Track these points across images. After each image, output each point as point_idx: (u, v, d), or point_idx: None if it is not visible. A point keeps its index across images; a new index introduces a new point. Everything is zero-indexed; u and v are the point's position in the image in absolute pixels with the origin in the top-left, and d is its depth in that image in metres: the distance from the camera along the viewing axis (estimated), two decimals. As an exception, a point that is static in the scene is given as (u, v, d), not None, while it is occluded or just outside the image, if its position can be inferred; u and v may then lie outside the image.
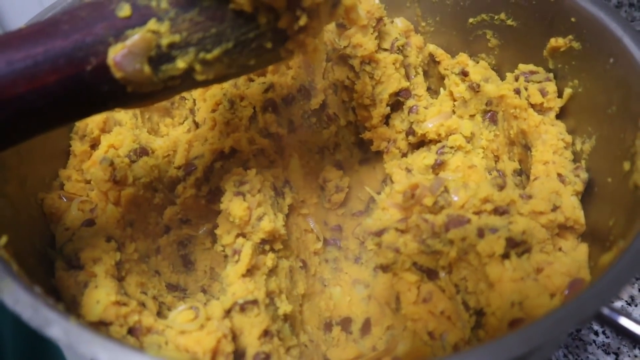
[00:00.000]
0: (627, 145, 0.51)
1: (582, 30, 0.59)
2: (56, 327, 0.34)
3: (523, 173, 0.68)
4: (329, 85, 0.76)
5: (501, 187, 0.56)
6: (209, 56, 0.45)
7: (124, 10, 0.43)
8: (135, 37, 0.43)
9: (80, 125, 0.66)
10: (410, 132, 0.70)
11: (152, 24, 0.43)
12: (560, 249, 0.57)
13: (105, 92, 0.44)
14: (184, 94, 0.75)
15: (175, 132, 0.74)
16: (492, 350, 0.37)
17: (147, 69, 0.43)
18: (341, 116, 0.77)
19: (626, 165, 0.50)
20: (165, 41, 0.44)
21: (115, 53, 0.42)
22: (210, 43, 0.45)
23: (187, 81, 0.47)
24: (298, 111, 0.75)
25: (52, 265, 0.54)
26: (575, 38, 0.60)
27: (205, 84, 0.49)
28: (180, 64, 0.45)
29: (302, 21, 0.45)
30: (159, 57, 0.44)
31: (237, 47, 0.46)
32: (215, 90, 0.70)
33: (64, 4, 0.64)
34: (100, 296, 0.48)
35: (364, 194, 0.77)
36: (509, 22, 0.69)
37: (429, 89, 0.80)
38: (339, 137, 0.78)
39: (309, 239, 0.72)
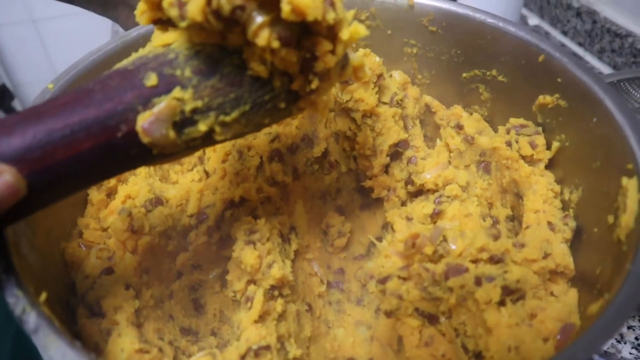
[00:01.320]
0: (611, 200, 0.55)
1: (567, 90, 0.64)
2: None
3: (515, 219, 0.72)
4: (330, 134, 0.80)
5: (496, 237, 0.60)
6: (228, 119, 0.49)
7: (151, 80, 0.47)
8: (162, 104, 0.47)
9: (97, 175, 0.70)
10: (409, 181, 0.75)
11: (176, 92, 0.47)
12: (552, 293, 0.61)
13: (134, 155, 0.47)
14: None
15: (184, 179, 0.77)
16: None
17: (172, 133, 0.47)
18: (342, 163, 0.81)
19: (610, 219, 0.55)
20: (188, 107, 0.48)
21: (144, 120, 0.46)
22: (229, 107, 0.49)
23: (207, 141, 0.51)
24: (302, 159, 0.79)
25: (73, 313, 0.57)
26: (562, 97, 0.65)
27: (223, 141, 0.53)
28: (202, 127, 0.48)
29: (314, 84, 0.49)
30: (183, 121, 0.48)
31: (253, 108, 0.50)
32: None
33: (80, 67, 0.67)
34: (124, 344, 0.51)
35: (365, 238, 0.81)
36: (500, 78, 0.74)
37: (425, 136, 0.84)
38: (340, 183, 0.83)
39: (313, 282, 0.75)
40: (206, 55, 0.49)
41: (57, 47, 2.45)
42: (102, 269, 0.62)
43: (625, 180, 0.53)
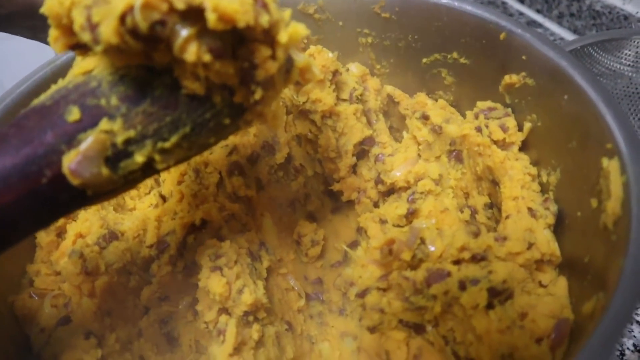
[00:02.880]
0: (592, 182, 0.51)
1: (534, 68, 0.60)
2: None
3: (494, 205, 0.68)
4: (292, 137, 0.75)
5: (476, 235, 0.56)
6: (167, 145, 0.44)
7: (73, 114, 0.42)
8: (89, 140, 0.42)
9: (43, 215, 0.64)
10: (379, 181, 0.70)
11: (104, 124, 0.42)
12: (540, 283, 0.57)
13: (65, 200, 0.42)
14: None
15: (142, 204, 0.72)
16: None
17: (105, 170, 0.42)
18: (308, 167, 0.77)
19: (594, 202, 0.51)
20: (120, 139, 0.42)
21: (70, 161, 0.41)
22: (166, 131, 0.44)
23: (148, 171, 0.46)
24: (264, 168, 0.74)
25: (30, 372, 0.52)
26: (528, 75, 0.61)
27: (167, 169, 0.48)
28: (139, 158, 0.43)
29: (258, 95, 0.44)
30: (116, 155, 0.43)
31: (195, 129, 0.45)
32: (179, 161, 0.69)
33: (6, 101, 0.62)
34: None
35: (340, 243, 0.77)
36: (462, 60, 0.69)
37: (391, 127, 0.80)
38: (308, 188, 0.78)
39: (291, 297, 0.71)
40: (132, 79, 0.44)
41: (4, 67, 2.38)
42: (58, 318, 0.57)
43: (605, 162, 0.49)
